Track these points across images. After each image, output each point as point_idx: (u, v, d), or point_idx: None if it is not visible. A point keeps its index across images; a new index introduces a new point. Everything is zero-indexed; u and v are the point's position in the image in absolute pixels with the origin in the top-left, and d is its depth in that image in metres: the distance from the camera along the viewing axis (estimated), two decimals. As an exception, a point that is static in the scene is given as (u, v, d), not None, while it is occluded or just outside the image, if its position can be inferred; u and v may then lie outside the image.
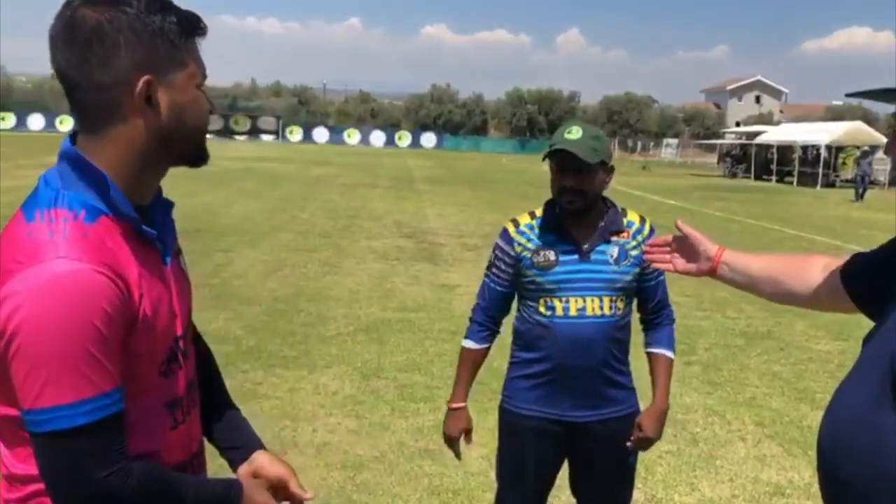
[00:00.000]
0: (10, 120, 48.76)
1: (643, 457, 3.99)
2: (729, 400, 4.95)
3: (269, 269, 8.46)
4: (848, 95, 1.33)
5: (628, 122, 67.02)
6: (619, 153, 57.19)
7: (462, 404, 2.38)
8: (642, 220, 2.34)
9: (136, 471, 1.13)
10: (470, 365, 2.39)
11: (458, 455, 2.44)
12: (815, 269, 1.52)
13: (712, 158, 49.23)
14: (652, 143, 61.45)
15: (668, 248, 1.75)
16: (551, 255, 2.24)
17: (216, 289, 7.33)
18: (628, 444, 2.32)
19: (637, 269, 2.28)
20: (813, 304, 1.55)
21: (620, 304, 2.26)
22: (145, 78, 1.14)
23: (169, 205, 1.32)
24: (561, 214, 2.27)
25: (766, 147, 35.30)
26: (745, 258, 1.65)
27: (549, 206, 2.32)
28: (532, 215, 2.33)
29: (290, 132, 55.05)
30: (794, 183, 31.66)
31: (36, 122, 49.54)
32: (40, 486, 1.13)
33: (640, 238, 2.29)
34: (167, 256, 1.27)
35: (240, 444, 1.45)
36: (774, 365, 5.76)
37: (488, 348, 2.42)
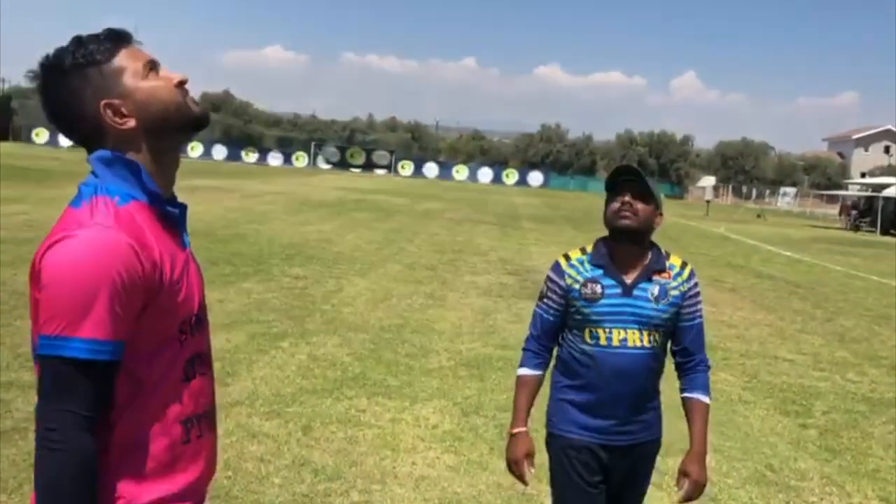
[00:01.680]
0: (199, 149, 52.00)
1: (752, 522, 3.82)
2: (849, 470, 4.64)
3: (376, 298, 8.67)
4: None
5: (744, 168, 64.76)
6: (733, 200, 55.24)
7: (523, 429, 2.50)
8: (683, 265, 2.49)
9: (89, 441, 1.26)
10: (527, 392, 2.52)
11: (523, 479, 2.51)
12: None
13: (833, 210, 46.76)
14: (768, 192, 59.02)
15: None
16: (598, 288, 2.41)
17: (327, 314, 7.58)
18: (679, 496, 2.43)
19: (674, 309, 2.43)
20: None
21: (658, 338, 2.42)
22: (102, 103, 1.36)
23: (184, 206, 1.50)
24: (609, 249, 2.44)
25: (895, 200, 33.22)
26: None
27: (599, 242, 2.49)
28: (583, 251, 2.51)
29: (402, 167, 56.38)
30: (927, 240, 29.58)
31: (219, 152, 54.06)
32: None
33: (679, 280, 2.45)
34: (187, 239, 1.48)
35: None
36: (901, 436, 5.36)
37: (543, 375, 2.55)
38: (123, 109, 1.36)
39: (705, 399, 2.46)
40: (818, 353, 7.76)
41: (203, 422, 1.44)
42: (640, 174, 2.40)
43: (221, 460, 4.03)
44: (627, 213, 2.35)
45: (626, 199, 2.35)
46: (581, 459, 2.43)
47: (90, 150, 1.40)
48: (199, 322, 1.45)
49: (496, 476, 4.12)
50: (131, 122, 1.37)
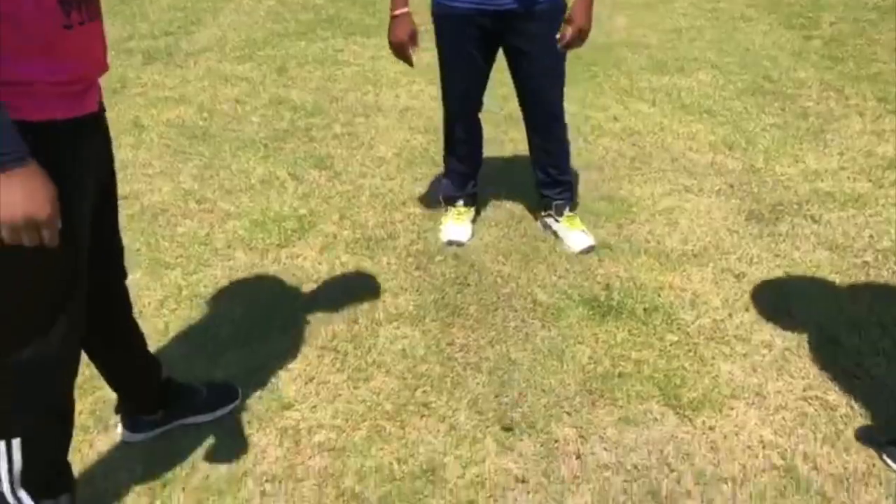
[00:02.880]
0: None
1: (745, 128, 3.75)
2: (850, 75, 4.47)
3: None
4: None
5: None
6: None
7: (405, 9, 2.39)
8: None
9: None
10: None
11: (410, 61, 2.45)
12: None
13: None
14: None
15: None
16: None
17: (293, -42, 6.89)
18: (562, 45, 2.42)
19: None
20: None
21: None
22: None
23: None
24: None
25: None
26: None
27: None
28: None
29: None
30: None
31: None
32: None
33: None
34: None
35: None
36: (909, 40, 5.11)
37: None
38: None
39: None
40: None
41: (84, 8, 1.25)
42: None
43: (195, 103, 3.88)
44: None
45: None
46: (462, 29, 2.43)
47: None
48: None
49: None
50: None
